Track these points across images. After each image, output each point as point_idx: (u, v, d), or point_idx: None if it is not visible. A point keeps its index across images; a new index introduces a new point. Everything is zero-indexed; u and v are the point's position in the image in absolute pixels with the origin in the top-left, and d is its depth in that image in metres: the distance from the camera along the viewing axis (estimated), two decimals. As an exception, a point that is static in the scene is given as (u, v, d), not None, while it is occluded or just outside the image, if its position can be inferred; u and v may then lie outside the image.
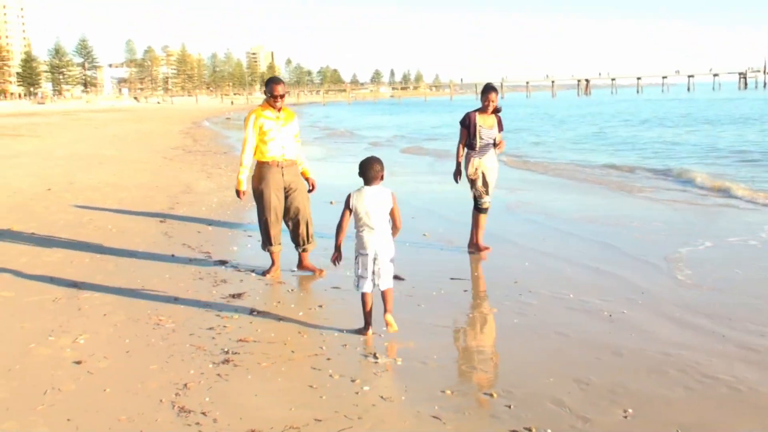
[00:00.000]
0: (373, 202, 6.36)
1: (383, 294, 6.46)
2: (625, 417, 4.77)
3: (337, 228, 6.43)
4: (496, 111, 9.60)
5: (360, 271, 6.41)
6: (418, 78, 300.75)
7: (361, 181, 6.50)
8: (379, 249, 6.37)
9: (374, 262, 6.38)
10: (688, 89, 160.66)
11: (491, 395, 5.11)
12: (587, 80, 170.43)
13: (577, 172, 20.52)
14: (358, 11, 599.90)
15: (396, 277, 8.26)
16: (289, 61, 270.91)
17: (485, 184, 9.77)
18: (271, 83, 8.41)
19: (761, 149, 26.23)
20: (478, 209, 9.83)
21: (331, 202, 14.26)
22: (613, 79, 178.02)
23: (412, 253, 9.64)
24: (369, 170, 6.41)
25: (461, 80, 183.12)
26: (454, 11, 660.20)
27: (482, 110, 9.63)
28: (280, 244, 8.66)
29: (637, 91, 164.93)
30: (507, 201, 14.34)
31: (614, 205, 14.00)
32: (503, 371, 5.62)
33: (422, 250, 9.92)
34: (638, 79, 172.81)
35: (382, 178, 6.47)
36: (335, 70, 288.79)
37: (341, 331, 6.54)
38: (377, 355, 5.92)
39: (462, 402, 5.02)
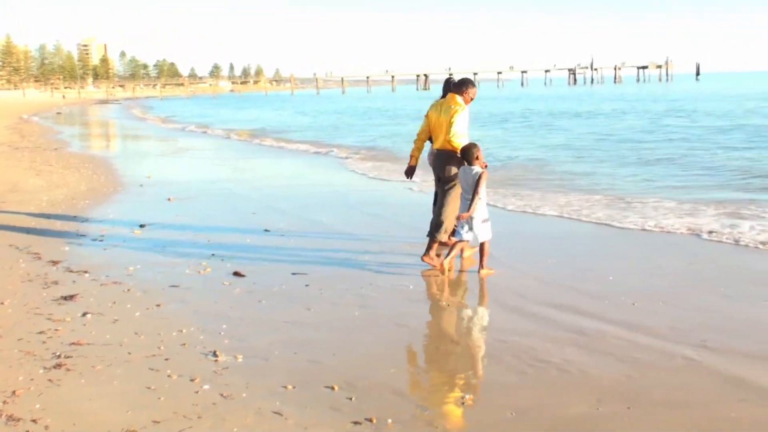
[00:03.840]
0: (463, 177, 8.30)
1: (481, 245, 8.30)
2: (463, 403, 4.91)
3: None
4: None
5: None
6: (259, 72, 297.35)
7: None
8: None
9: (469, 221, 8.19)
10: (522, 84, 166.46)
11: (333, 388, 5.13)
12: (426, 75, 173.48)
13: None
14: (195, 3, 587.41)
15: (237, 274, 8.23)
16: (123, 54, 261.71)
17: None
18: (471, 86, 8.76)
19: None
20: None
21: (169, 199, 13.98)
22: (451, 74, 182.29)
23: (253, 249, 9.57)
24: (466, 154, 8.26)
25: (315, 74, 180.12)
26: (295, 5, 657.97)
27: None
28: None
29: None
30: (348, 195, 14.47)
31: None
32: (345, 364, 5.64)
33: (263, 245, 9.85)
34: (475, 74, 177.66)
35: (477, 158, 8.18)
36: (172, 64, 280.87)
37: (180, 330, 6.40)
38: (217, 353, 5.83)
39: (304, 396, 5.02)
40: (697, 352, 5.75)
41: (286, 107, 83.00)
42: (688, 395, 4.99)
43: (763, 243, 9.32)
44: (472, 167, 8.19)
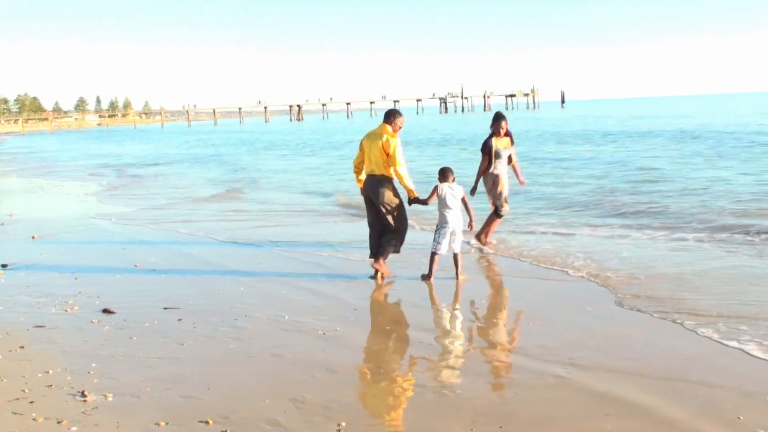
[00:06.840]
0: (450, 193, 9.11)
1: (455, 256, 9.22)
2: (339, 430, 4.90)
3: (424, 202, 9.29)
4: (508, 133, 11.55)
5: (440, 238, 9.12)
6: (127, 105, 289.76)
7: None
8: (456, 224, 9.14)
9: (452, 233, 9.14)
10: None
11: (207, 422, 5.04)
12: (299, 106, 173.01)
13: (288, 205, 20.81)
14: (57, 34, 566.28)
15: (106, 311, 7.99)
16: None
17: (504, 195, 11.54)
18: (400, 115, 9.50)
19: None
20: (498, 215, 11.53)
21: (34, 237, 13.49)
22: (324, 105, 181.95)
23: (124, 284, 9.33)
24: (447, 173, 9.26)
25: (194, 106, 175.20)
26: (162, 37, 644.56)
27: (496, 135, 11.38)
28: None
29: (348, 116, 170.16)
30: (217, 227, 14.29)
31: (312, 229, 14.35)
32: (219, 397, 5.55)
33: (134, 280, 9.61)
34: (348, 104, 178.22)
35: (453, 179, 9.24)
36: (35, 98, 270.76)
37: (46, 372, 6.15)
38: (86, 393, 5.63)
39: (177, 432, 4.92)
40: (565, 369, 5.95)
41: (155, 140, 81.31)
42: (558, 411, 5.15)
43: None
44: (455, 185, 9.22)
